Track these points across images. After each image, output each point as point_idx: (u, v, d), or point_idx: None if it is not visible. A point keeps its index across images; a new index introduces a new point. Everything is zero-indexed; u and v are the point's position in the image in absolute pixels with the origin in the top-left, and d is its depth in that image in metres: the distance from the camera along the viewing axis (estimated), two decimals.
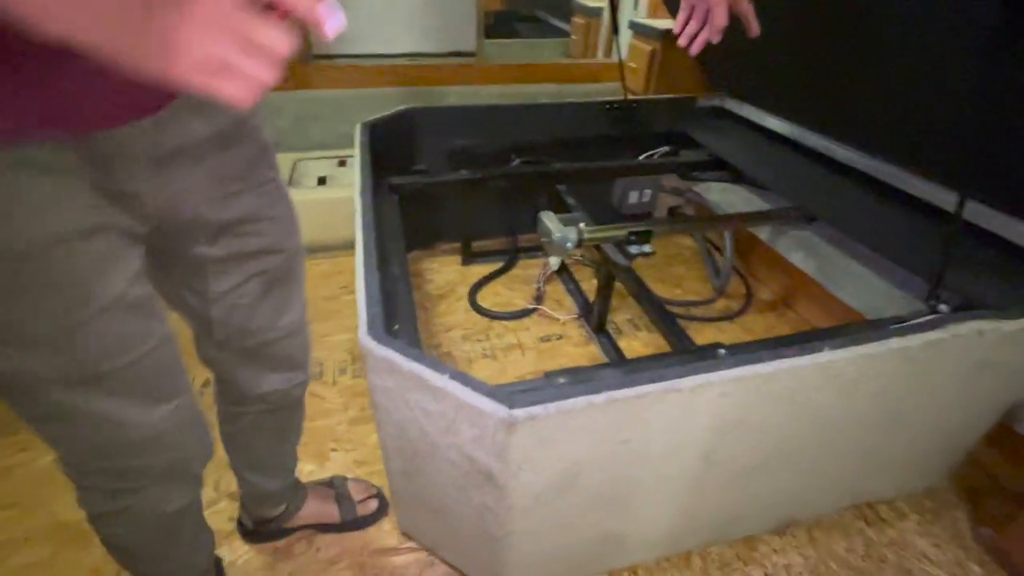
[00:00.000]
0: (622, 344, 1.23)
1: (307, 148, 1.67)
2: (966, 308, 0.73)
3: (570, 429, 0.52)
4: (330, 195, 1.45)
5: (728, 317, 1.33)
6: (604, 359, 1.19)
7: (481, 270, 1.47)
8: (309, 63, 1.65)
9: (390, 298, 0.75)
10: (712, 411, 0.58)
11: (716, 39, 0.62)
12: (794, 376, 0.59)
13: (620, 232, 1.05)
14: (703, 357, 0.62)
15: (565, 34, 2.50)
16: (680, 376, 0.54)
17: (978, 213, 0.86)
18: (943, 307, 0.75)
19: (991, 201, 0.84)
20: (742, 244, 1.50)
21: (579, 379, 0.65)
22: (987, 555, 0.86)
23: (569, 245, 1.03)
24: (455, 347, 1.21)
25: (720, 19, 0.60)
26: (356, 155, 1.05)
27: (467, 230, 1.52)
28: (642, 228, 1.07)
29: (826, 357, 0.59)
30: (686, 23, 0.63)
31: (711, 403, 0.57)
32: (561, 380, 0.66)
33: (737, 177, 1.37)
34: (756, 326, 1.31)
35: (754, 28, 0.62)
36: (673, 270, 1.52)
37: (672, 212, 1.63)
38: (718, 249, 1.55)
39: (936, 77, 0.82)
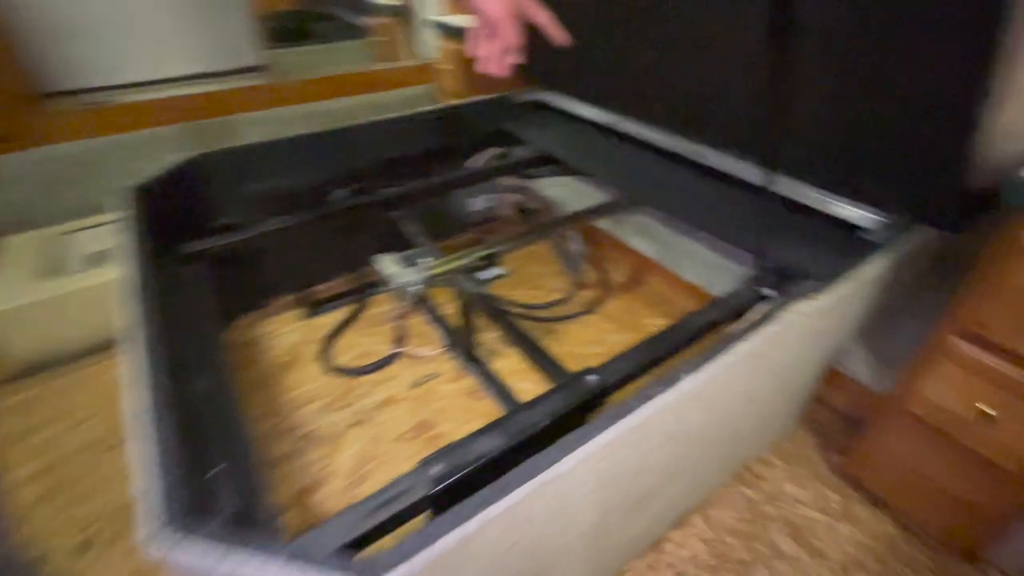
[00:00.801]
0: (497, 364, 1.18)
1: (71, 216, 1.30)
2: (789, 278, 0.78)
3: (448, 566, 0.44)
4: (107, 277, 1.15)
5: (589, 311, 1.33)
6: (482, 388, 1.13)
7: (329, 321, 1.31)
8: (39, 106, 1.27)
9: (196, 426, 0.60)
10: (596, 474, 0.54)
11: (518, 60, 0.56)
12: (662, 414, 0.57)
13: (468, 260, 0.98)
14: (574, 390, 0.63)
15: (365, 33, 2.30)
16: (556, 460, 0.49)
17: (793, 188, 0.92)
18: (767, 291, 0.79)
19: (796, 175, 0.90)
20: (587, 233, 1.52)
21: (455, 462, 0.57)
22: (843, 481, 0.96)
23: (413, 290, 0.94)
24: (316, 422, 1.06)
25: (513, 39, 0.53)
26: (121, 234, 0.82)
27: (302, 279, 1.34)
28: (488, 251, 1.01)
29: (687, 385, 0.58)
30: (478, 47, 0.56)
31: (593, 470, 0.53)
32: (434, 469, 0.57)
33: (568, 169, 1.36)
34: (616, 310, 1.34)
35: (560, 37, 0.56)
36: (530, 270, 1.49)
37: (516, 209, 1.60)
38: (567, 242, 1.56)
39: (729, 57, 0.84)
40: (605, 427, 0.53)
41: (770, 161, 0.84)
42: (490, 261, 1.02)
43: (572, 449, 0.51)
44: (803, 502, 0.94)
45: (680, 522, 0.91)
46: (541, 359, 0.84)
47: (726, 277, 1.05)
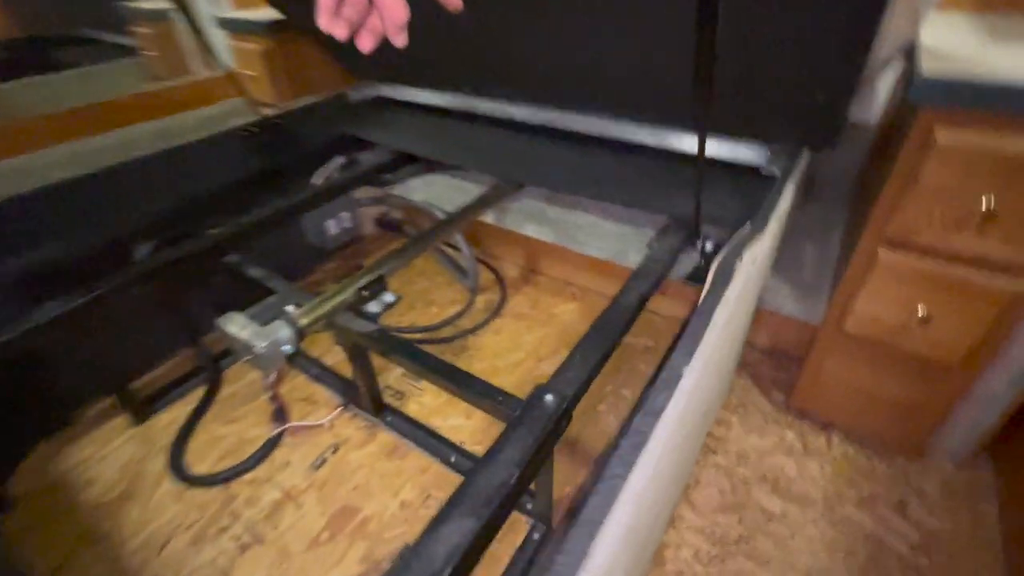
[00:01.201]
0: (412, 407, 0.98)
1: None
2: (720, 227, 0.75)
3: None
4: None
5: (496, 315, 1.20)
6: (403, 443, 0.92)
7: (172, 418, 0.98)
8: None
9: None
10: (627, 519, 0.40)
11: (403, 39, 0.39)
12: (675, 420, 0.44)
13: (347, 296, 0.78)
14: (535, 419, 0.53)
15: (132, 52, 1.84)
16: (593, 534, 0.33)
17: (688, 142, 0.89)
18: (708, 244, 0.72)
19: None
20: (470, 232, 1.41)
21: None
22: (793, 417, 0.95)
23: (287, 349, 0.70)
24: (191, 563, 0.76)
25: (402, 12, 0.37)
26: None
27: (116, 373, 0.99)
28: (369, 278, 0.81)
29: (688, 382, 0.46)
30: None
31: (624, 518, 0.39)
32: None
33: (431, 166, 1.23)
34: (522, 306, 1.23)
35: (453, 3, 0.40)
36: (417, 288, 1.32)
37: (381, 223, 1.41)
38: (451, 246, 1.41)
39: (623, 20, 0.76)
40: (630, 465, 0.38)
41: (671, 118, 0.82)
42: (374, 289, 0.82)
43: (607, 508, 0.35)
44: (768, 451, 0.90)
45: (671, 521, 0.81)
46: (464, 386, 0.68)
47: (633, 244, 1.02)
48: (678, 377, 0.47)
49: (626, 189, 0.88)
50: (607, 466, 0.40)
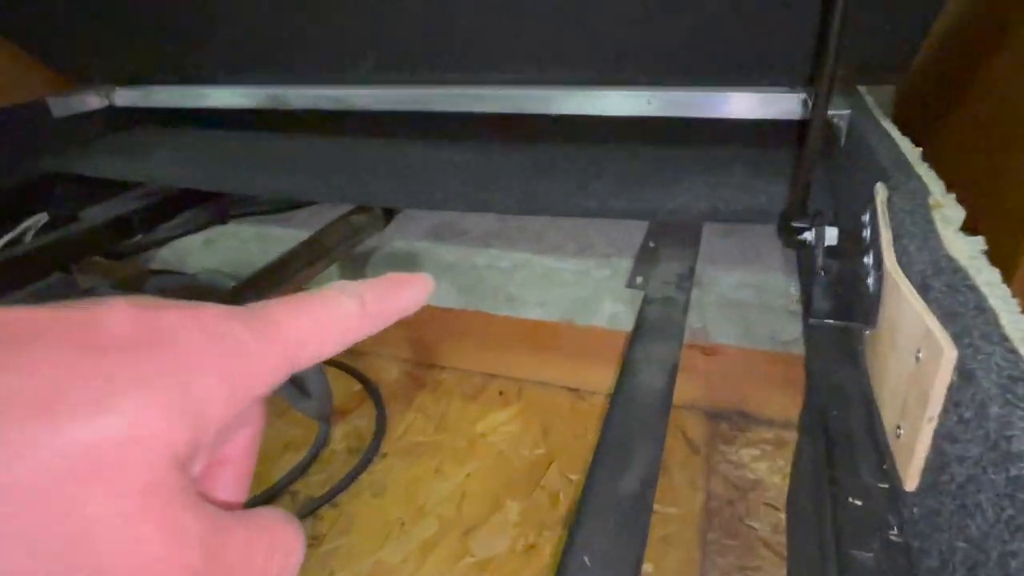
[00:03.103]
0: None
1: None
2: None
3: None
4: None
5: (367, 458, 0.90)
6: None
7: None
8: None
9: None
10: None
11: None
12: None
13: None
14: None
15: None
16: None
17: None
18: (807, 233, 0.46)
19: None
20: None
21: None
22: None
23: None
24: None
25: None
26: None
27: None
28: None
29: None
30: None
31: None
32: None
33: (219, 208, 1.06)
34: (416, 434, 0.95)
35: None
36: None
37: None
38: None
39: None
40: None
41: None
42: None
43: None
44: None
45: None
46: None
47: (603, 286, 0.87)
48: None
49: (581, 190, 0.77)
50: None
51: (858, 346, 0.43)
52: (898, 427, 0.32)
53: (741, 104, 0.77)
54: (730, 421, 0.88)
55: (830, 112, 0.67)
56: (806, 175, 0.47)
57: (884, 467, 0.34)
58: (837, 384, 0.42)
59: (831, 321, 0.38)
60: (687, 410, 0.90)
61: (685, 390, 0.95)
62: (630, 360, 0.54)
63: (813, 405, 0.44)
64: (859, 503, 0.32)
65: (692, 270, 0.71)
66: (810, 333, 0.48)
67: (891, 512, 0.32)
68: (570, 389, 0.97)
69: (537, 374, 1.04)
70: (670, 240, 0.79)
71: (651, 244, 0.80)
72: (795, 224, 0.46)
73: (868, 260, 0.38)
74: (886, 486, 0.33)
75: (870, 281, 0.36)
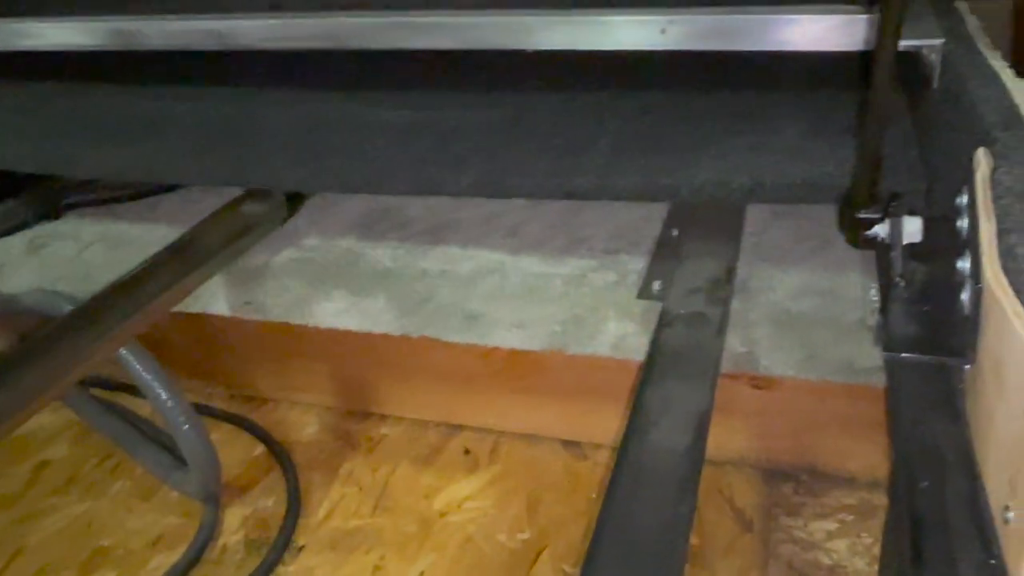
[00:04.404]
0: None
1: None
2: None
3: None
4: None
5: (277, 556, 0.95)
6: None
7: None
8: None
9: None
10: None
11: None
12: None
13: None
14: None
15: None
16: None
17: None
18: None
19: None
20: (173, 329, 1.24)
21: None
22: None
23: None
24: None
25: None
26: None
27: None
28: None
29: None
30: None
31: None
32: None
33: (53, 199, 1.11)
34: (345, 518, 1.01)
35: None
36: (72, 511, 1.12)
37: None
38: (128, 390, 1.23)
39: None
40: None
41: None
42: None
43: None
44: None
45: None
46: None
47: (602, 298, 0.95)
48: None
49: (571, 161, 0.81)
50: None
51: (957, 384, 0.45)
52: (1007, 509, 0.33)
53: (794, 31, 0.79)
54: (795, 482, 0.92)
55: (914, 42, 0.69)
56: (874, 140, 0.46)
57: (991, 560, 0.36)
58: (928, 439, 0.43)
59: (910, 355, 0.39)
60: (734, 468, 0.95)
61: (730, 439, 0.98)
62: (640, 408, 0.56)
63: (901, 462, 0.46)
64: None
65: (731, 272, 0.74)
66: (892, 366, 0.49)
67: None
68: (565, 443, 1.01)
69: (518, 423, 1.07)
70: (699, 228, 0.82)
71: (673, 233, 0.83)
72: (862, 215, 0.46)
73: (963, 265, 0.39)
74: None
75: (965, 297, 0.37)
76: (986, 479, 0.39)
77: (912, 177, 0.66)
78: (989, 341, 0.39)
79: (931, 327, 0.42)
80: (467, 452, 1.07)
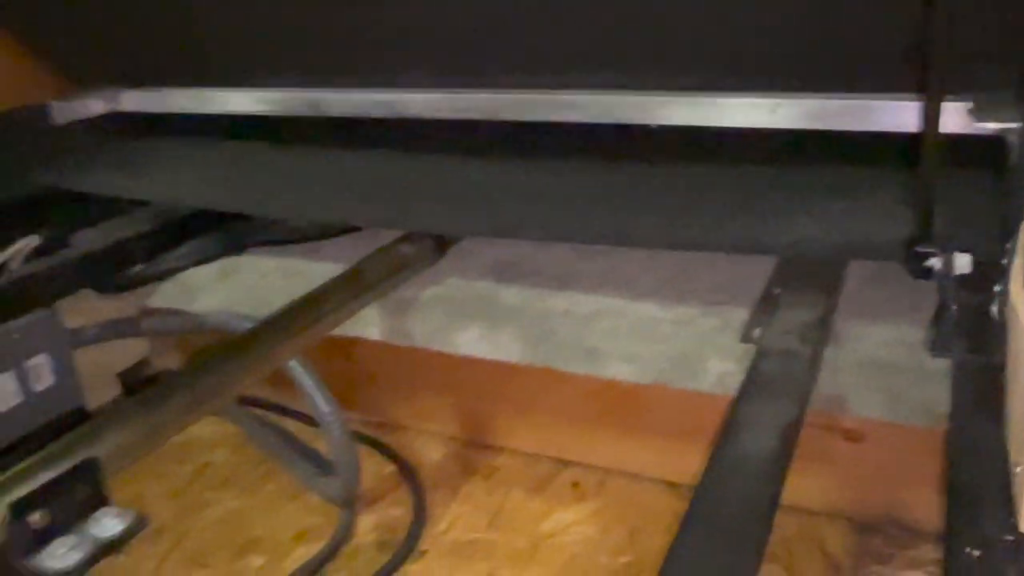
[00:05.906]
0: None
1: None
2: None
3: None
4: None
5: (402, 556, 1.04)
6: None
7: None
8: None
9: None
10: None
11: None
12: None
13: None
14: None
15: None
16: None
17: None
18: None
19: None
20: (326, 362, 1.27)
21: None
22: None
23: None
24: None
25: None
26: None
27: None
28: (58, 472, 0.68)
29: None
30: None
31: None
32: None
33: (240, 237, 1.25)
34: (464, 529, 1.09)
35: None
36: (204, 498, 1.24)
37: (131, 380, 1.31)
38: (294, 415, 1.35)
39: None
40: None
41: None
42: (72, 504, 0.70)
43: None
44: None
45: None
46: None
47: (706, 339, 0.98)
48: None
49: (682, 216, 0.85)
50: None
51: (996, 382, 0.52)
52: (1016, 464, 0.41)
53: (888, 115, 0.84)
54: (884, 534, 0.95)
55: (997, 125, 0.74)
56: (926, 193, 0.55)
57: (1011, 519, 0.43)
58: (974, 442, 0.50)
59: (948, 354, 0.47)
60: (828, 519, 0.98)
61: (824, 489, 1.02)
62: (729, 428, 0.61)
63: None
64: (976, 553, 0.40)
65: (824, 321, 0.79)
66: (957, 385, 0.56)
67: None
68: (667, 483, 1.06)
69: (624, 461, 1.13)
70: (801, 284, 0.87)
71: (775, 291, 0.89)
72: (919, 249, 0.55)
73: (999, 288, 0.47)
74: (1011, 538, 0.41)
75: (994, 308, 0.45)
76: (1011, 451, 0.46)
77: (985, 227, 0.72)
78: (1016, 343, 0.47)
79: (968, 337, 0.50)
80: (575, 485, 1.13)
